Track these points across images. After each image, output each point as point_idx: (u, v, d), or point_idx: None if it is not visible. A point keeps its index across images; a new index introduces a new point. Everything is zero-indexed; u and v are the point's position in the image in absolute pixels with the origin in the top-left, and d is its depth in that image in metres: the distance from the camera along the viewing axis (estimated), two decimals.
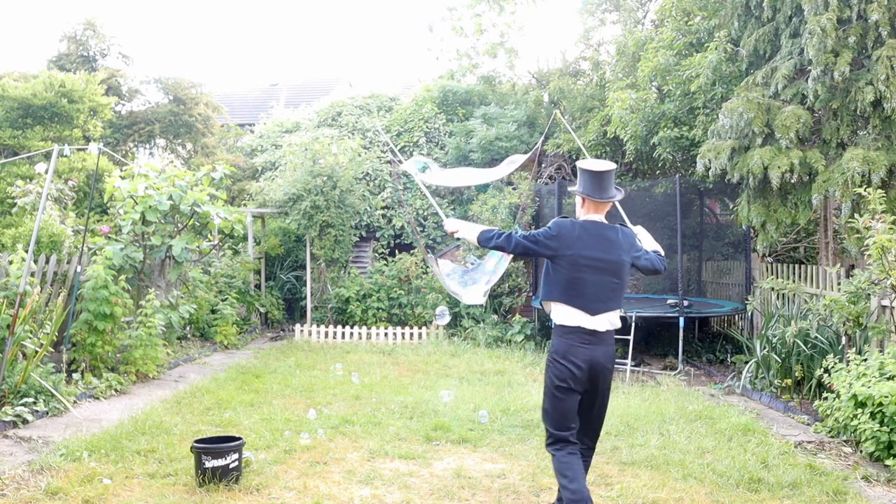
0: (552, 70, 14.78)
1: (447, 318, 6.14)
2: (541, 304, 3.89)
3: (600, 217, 3.71)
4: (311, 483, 4.49)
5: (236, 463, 4.41)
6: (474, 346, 10.50)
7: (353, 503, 4.23)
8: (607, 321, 3.61)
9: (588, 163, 3.71)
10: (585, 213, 3.72)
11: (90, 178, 11.19)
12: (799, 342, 7.06)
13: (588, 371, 3.55)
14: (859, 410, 5.33)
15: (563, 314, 3.63)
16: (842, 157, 7.32)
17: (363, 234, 13.55)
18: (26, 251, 6.45)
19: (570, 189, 4.02)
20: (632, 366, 8.97)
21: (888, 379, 5.31)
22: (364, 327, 11.44)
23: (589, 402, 3.66)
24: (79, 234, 8.41)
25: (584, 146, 12.05)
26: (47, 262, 7.32)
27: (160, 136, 15.19)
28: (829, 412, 5.87)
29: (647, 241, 4.07)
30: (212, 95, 16.03)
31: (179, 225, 8.91)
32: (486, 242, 3.78)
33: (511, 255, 3.95)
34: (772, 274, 9.31)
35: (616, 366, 9.29)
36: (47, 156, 9.18)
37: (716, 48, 9.04)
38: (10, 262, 6.68)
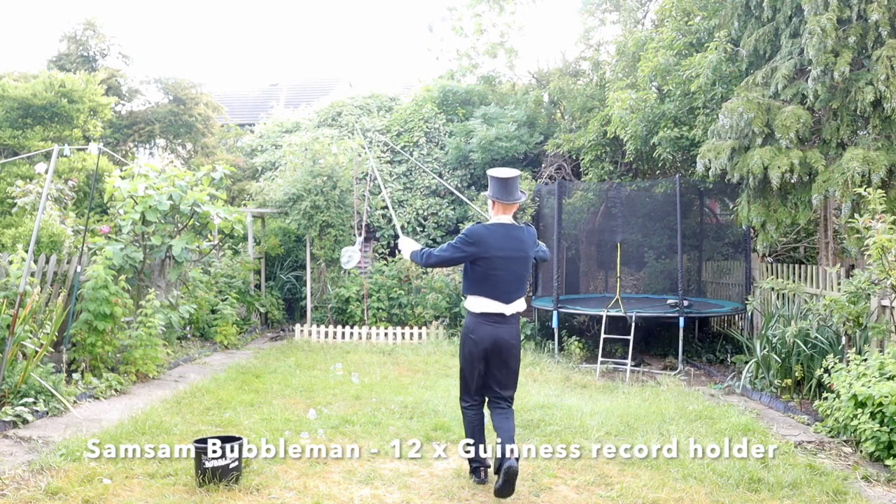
0: (552, 70, 14.78)
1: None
2: (465, 297, 4.60)
3: (508, 217, 4.43)
4: (311, 483, 4.49)
5: (236, 463, 4.41)
6: None
7: (353, 503, 4.23)
8: (515, 307, 4.42)
9: (496, 171, 4.41)
10: (496, 214, 4.43)
11: (90, 178, 11.20)
12: (799, 342, 7.06)
13: (492, 345, 4.38)
14: (859, 410, 5.33)
15: (481, 304, 4.39)
16: (842, 157, 7.32)
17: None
18: (26, 251, 6.45)
19: (483, 194, 4.98)
20: (632, 366, 8.97)
21: (888, 379, 5.31)
22: (364, 327, 11.45)
23: (498, 366, 4.43)
24: (79, 234, 8.41)
25: (585, 146, 12.07)
26: (47, 262, 7.32)
27: (160, 136, 15.20)
28: (829, 412, 5.87)
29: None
30: (212, 95, 16.03)
31: (179, 225, 8.91)
32: (413, 258, 4.64)
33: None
34: (772, 274, 9.31)
35: (616, 366, 9.33)
36: (47, 156, 9.18)
37: (716, 48, 9.04)
38: (10, 262, 6.68)
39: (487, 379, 4.46)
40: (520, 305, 4.46)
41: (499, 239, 4.34)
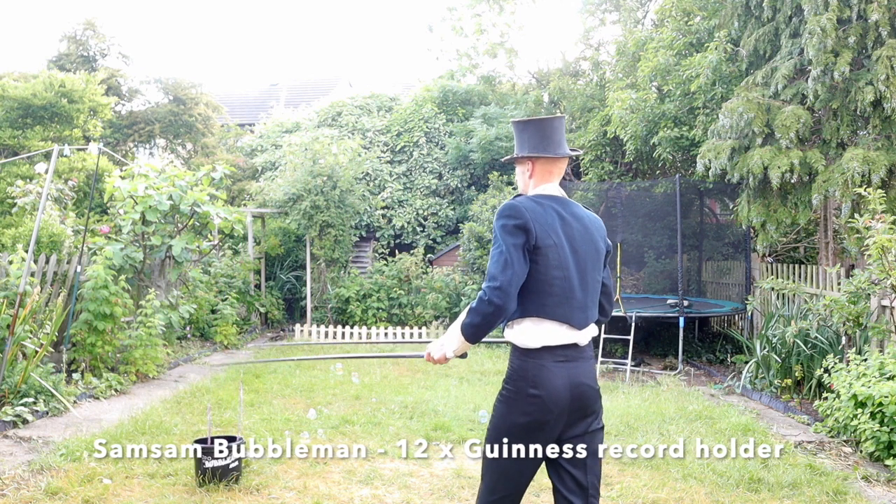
0: (552, 70, 14.79)
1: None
2: (507, 324, 2.78)
3: (557, 187, 2.73)
4: (311, 483, 4.49)
5: (236, 463, 4.41)
6: (474, 345, 10.50)
7: (353, 503, 4.23)
8: (589, 335, 2.71)
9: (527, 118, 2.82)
10: (536, 184, 2.72)
11: (90, 178, 11.19)
12: (799, 342, 7.05)
13: (571, 401, 2.64)
14: (859, 410, 5.32)
15: (542, 332, 2.60)
16: (842, 157, 7.32)
17: (363, 234, 13.56)
18: (26, 251, 6.45)
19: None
20: (632, 366, 8.97)
21: (888, 379, 5.31)
22: (364, 327, 11.44)
23: (578, 439, 2.72)
24: (79, 234, 8.41)
25: (585, 146, 12.07)
26: (47, 262, 7.32)
27: (160, 136, 15.20)
28: (829, 412, 5.87)
29: None
30: (212, 95, 16.04)
31: (179, 225, 8.91)
32: (471, 331, 2.60)
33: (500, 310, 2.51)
34: (772, 274, 9.31)
35: (616, 366, 9.33)
36: (47, 156, 9.18)
37: (716, 48, 9.04)
38: (10, 262, 6.68)
39: (554, 468, 2.65)
40: (591, 332, 2.69)
41: (557, 217, 2.58)
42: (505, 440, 2.56)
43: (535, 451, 2.57)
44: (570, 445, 2.63)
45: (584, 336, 2.63)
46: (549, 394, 2.51)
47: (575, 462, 2.64)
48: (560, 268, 2.53)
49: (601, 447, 2.77)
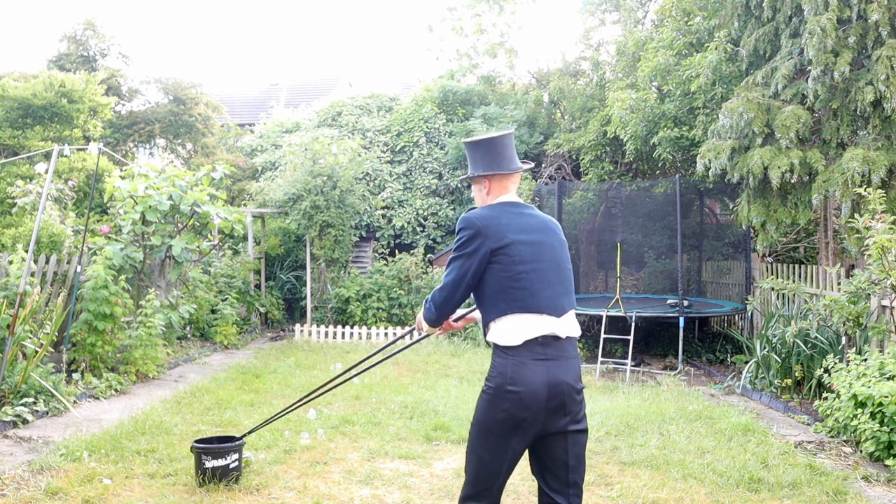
0: (552, 70, 14.80)
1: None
2: (486, 328, 2.90)
3: (514, 196, 2.88)
4: (311, 483, 4.49)
5: (236, 463, 4.41)
6: (474, 345, 10.50)
7: (353, 503, 4.23)
8: (569, 325, 2.75)
9: (477, 136, 2.97)
10: (493, 197, 2.86)
11: (90, 178, 11.19)
12: (799, 342, 7.06)
13: (549, 398, 2.66)
14: (859, 410, 5.33)
15: (518, 327, 2.71)
16: (842, 157, 7.33)
17: (363, 234, 13.56)
18: (26, 251, 6.45)
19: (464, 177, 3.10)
20: (632, 366, 8.97)
21: (888, 379, 5.31)
22: (364, 327, 11.45)
23: (560, 438, 2.74)
24: (79, 234, 8.41)
25: (585, 146, 12.07)
26: (47, 262, 7.32)
27: (160, 136, 15.20)
28: (829, 412, 5.87)
29: None
30: (212, 95, 16.03)
31: (179, 225, 8.91)
32: (426, 317, 2.87)
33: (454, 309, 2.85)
34: (772, 274, 9.31)
35: (616, 366, 9.33)
36: (47, 156, 9.18)
37: (716, 48, 9.04)
38: (10, 262, 6.68)
39: (537, 466, 2.74)
40: (574, 323, 2.76)
41: (513, 217, 2.74)
42: (486, 435, 2.65)
43: (514, 446, 2.64)
44: (552, 443, 2.68)
45: (563, 325, 2.69)
46: (527, 390, 2.58)
47: (557, 461, 2.69)
48: (524, 262, 2.66)
49: (586, 449, 2.80)
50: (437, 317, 2.83)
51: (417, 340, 3.31)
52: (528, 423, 2.61)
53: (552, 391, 2.60)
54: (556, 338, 2.66)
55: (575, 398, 2.68)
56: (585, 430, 2.76)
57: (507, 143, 2.90)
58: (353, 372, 3.96)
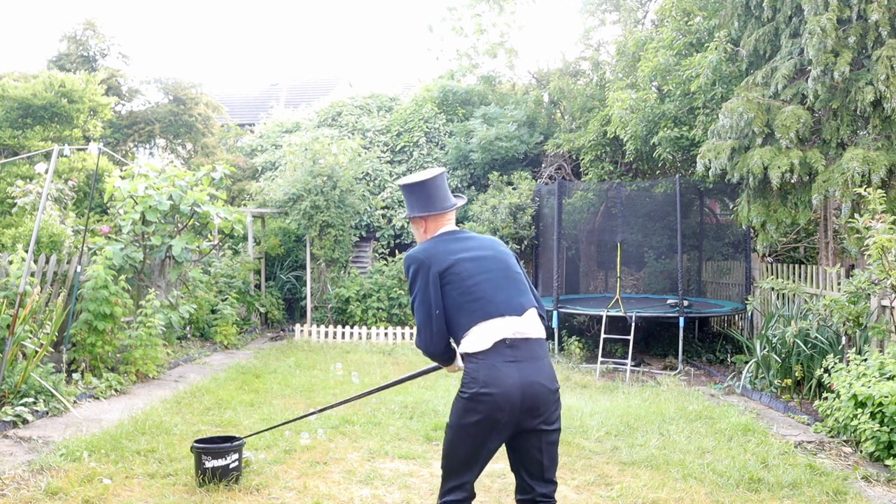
0: (552, 70, 14.78)
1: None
2: (458, 345, 3.01)
3: (452, 226, 3.10)
4: (311, 483, 4.49)
5: (236, 463, 4.41)
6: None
7: (353, 503, 4.23)
8: (533, 323, 2.92)
9: (407, 178, 3.11)
10: (430, 235, 3.06)
11: (90, 178, 11.19)
12: (799, 342, 7.06)
13: (522, 401, 2.82)
14: (859, 410, 5.33)
15: (483, 333, 2.88)
16: (842, 157, 7.32)
17: (363, 234, 13.56)
18: (26, 251, 6.45)
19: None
20: (632, 366, 8.97)
21: (888, 379, 5.31)
22: (364, 327, 11.45)
23: (534, 440, 2.92)
24: (79, 234, 8.41)
25: (585, 146, 12.07)
26: (47, 262, 7.32)
27: (160, 136, 15.19)
28: (829, 412, 5.87)
29: None
30: (211, 95, 16.03)
31: (179, 225, 8.91)
32: (435, 362, 3.20)
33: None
34: (772, 274, 9.31)
35: (616, 366, 9.33)
36: (47, 156, 9.18)
37: (716, 48, 9.03)
38: (10, 262, 6.68)
39: (514, 461, 2.91)
40: (538, 323, 2.92)
41: (450, 244, 2.96)
42: (462, 437, 2.78)
43: (490, 444, 2.78)
44: (527, 440, 2.82)
45: (527, 323, 2.84)
46: (501, 392, 2.70)
47: (532, 460, 2.85)
48: (472, 276, 2.86)
49: (556, 448, 2.93)
50: (433, 355, 3.02)
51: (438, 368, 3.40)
52: (503, 424, 2.73)
53: (526, 392, 2.72)
54: (525, 339, 2.80)
55: (550, 399, 2.80)
56: (558, 430, 2.89)
57: (438, 183, 3.05)
58: (373, 387, 3.97)
